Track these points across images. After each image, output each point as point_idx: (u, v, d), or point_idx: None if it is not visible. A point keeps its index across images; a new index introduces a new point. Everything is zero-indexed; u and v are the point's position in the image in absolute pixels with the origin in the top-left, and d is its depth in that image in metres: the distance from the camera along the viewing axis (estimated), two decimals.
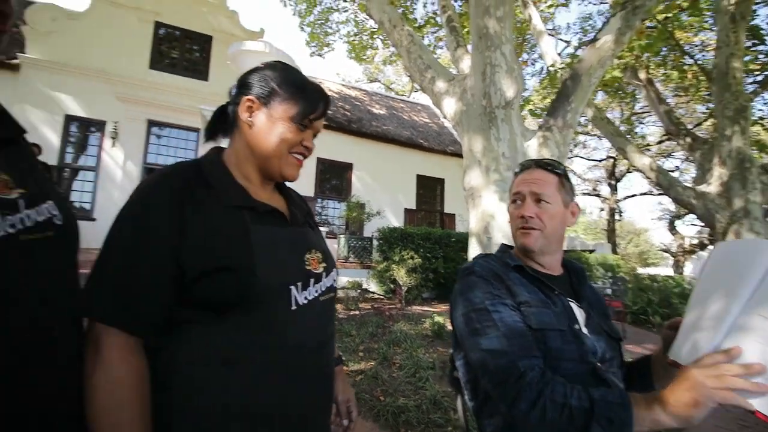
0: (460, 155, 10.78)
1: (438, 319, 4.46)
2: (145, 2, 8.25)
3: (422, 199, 10.74)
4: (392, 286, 6.73)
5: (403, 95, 20.21)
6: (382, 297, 6.91)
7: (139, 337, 0.63)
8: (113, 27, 7.93)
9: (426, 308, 6.06)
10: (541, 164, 0.99)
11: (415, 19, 8.02)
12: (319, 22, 9.06)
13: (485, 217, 3.37)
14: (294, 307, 0.70)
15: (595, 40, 3.68)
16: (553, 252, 0.97)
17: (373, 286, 7.24)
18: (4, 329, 0.51)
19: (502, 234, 3.26)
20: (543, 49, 6.70)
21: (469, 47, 4.03)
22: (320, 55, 9.73)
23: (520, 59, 9.23)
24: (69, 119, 7.46)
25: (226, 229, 0.69)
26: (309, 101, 0.77)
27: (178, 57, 8.67)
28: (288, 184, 0.88)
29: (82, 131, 7.67)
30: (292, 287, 0.71)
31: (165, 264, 0.64)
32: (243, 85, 0.79)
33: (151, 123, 8.16)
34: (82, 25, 7.73)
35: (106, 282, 0.63)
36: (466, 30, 6.78)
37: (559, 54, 8.45)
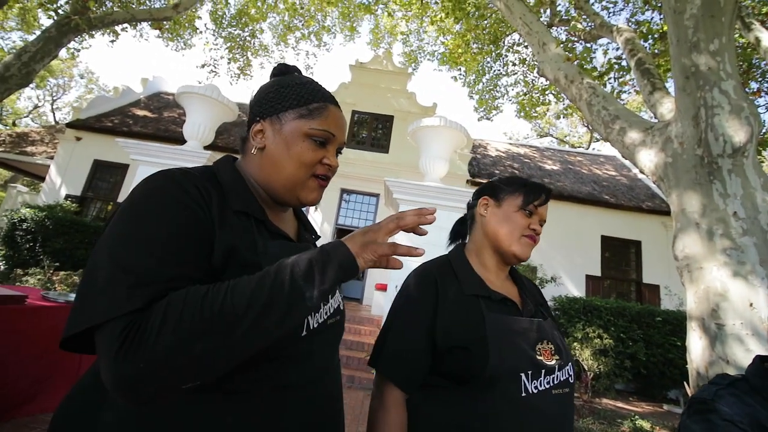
0: (661, 212, 8.85)
1: (642, 423, 3.48)
2: (347, 97, 10.35)
3: (609, 264, 9.06)
4: (574, 369, 5.69)
5: (579, 147, 18.51)
6: None
7: (407, 393, 0.81)
8: None
9: (621, 405, 4.84)
10: None
11: (595, 68, 7.44)
12: (487, 88, 9.42)
13: (711, 296, 2.55)
14: (524, 394, 0.74)
15: None
16: None
17: None
18: (322, 378, 0.68)
19: (741, 322, 2.39)
20: None
21: (671, 88, 3.42)
22: (488, 119, 9.97)
23: (746, 89, 7.24)
24: None
25: (465, 314, 0.82)
26: (530, 192, 0.91)
27: (366, 135, 10.34)
28: None
29: None
30: (522, 374, 0.75)
31: (426, 338, 0.81)
32: (478, 191, 1.00)
33: (343, 191, 9.76)
34: None
35: (388, 346, 0.84)
36: (662, 69, 5.86)
37: None
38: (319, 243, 0.78)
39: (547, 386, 0.76)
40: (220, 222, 0.60)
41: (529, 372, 0.75)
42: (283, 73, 0.78)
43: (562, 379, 0.79)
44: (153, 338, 0.46)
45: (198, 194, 0.59)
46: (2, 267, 6.73)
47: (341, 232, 9.86)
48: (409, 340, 0.82)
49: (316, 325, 0.67)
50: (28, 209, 6.97)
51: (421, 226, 0.61)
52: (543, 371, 0.77)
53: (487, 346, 0.76)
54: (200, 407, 0.55)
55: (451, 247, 1.03)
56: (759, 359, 0.71)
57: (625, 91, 8.66)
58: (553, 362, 0.79)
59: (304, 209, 8.37)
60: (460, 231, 1.04)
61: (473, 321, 0.80)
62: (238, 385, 0.57)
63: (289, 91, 0.71)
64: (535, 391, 0.75)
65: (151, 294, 0.50)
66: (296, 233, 0.81)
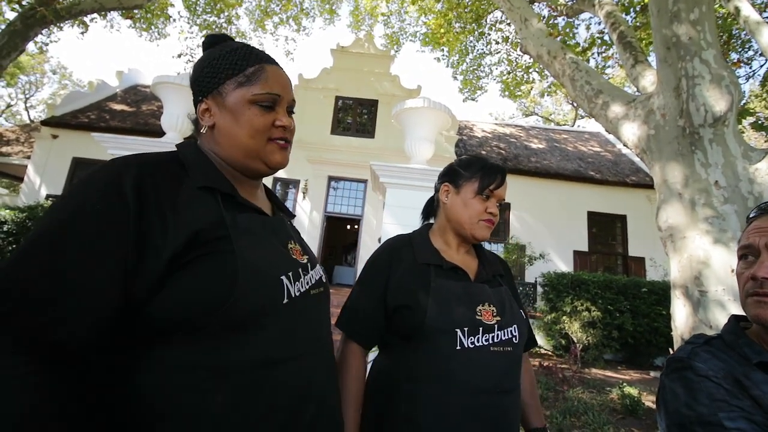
0: (645, 186, 8.99)
1: (630, 390, 3.59)
2: (329, 82, 10.16)
3: (596, 239, 9.24)
4: (563, 341, 5.84)
5: (565, 125, 18.60)
6: (550, 353, 6.06)
7: (364, 347, 0.93)
8: (307, 105, 9.97)
9: (610, 373, 4.99)
10: None
11: (578, 43, 7.40)
12: (471, 68, 9.33)
13: (694, 264, 2.61)
14: (459, 348, 0.84)
15: None
16: None
17: (538, 339, 6.44)
18: (314, 351, 0.68)
19: (723, 288, 2.45)
20: (763, 44, 5.18)
21: (653, 61, 3.42)
22: (473, 99, 9.91)
23: (727, 60, 7.28)
24: (276, 180, 9.56)
25: (414, 279, 0.92)
26: (486, 177, 0.97)
27: (351, 121, 10.21)
28: None
29: (284, 189, 9.69)
30: (458, 330, 0.84)
31: (378, 299, 0.93)
32: (441, 176, 1.07)
33: (331, 178, 9.68)
34: None
35: (348, 308, 0.97)
36: (644, 42, 5.86)
37: None
38: (296, 223, 0.75)
39: (486, 343, 0.85)
40: (173, 207, 0.57)
41: (466, 329, 0.85)
42: (214, 43, 0.74)
43: (503, 338, 0.87)
44: None
45: (139, 184, 0.56)
46: None
47: (330, 219, 9.82)
48: (363, 301, 0.95)
49: (297, 294, 0.65)
50: (7, 211, 6.77)
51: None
52: (481, 329, 0.86)
53: (427, 305, 0.86)
54: (187, 387, 0.53)
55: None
56: (734, 318, 0.72)
57: (609, 66, 8.66)
58: (493, 322, 0.88)
59: (291, 202, 8.21)
60: (430, 211, 1.12)
61: (419, 284, 0.90)
62: (223, 361, 0.55)
63: (222, 62, 0.69)
64: (472, 346, 0.84)
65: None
66: (270, 211, 0.79)
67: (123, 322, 0.53)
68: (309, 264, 0.72)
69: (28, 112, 22.55)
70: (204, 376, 0.54)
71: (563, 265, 8.58)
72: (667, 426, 0.64)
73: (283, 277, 0.62)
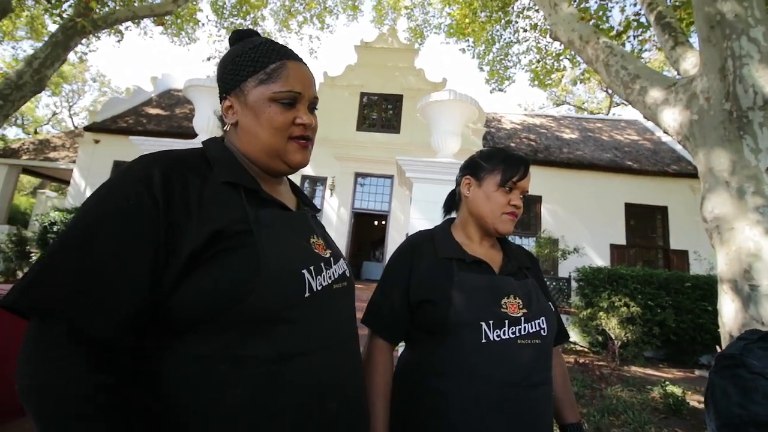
0: (688, 175, 8.50)
1: (673, 389, 3.43)
2: (354, 79, 10.20)
3: (634, 232, 8.82)
4: (600, 338, 5.63)
5: (599, 113, 17.84)
6: (586, 350, 5.87)
7: (390, 342, 0.93)
8: (332, 102, 10.06)
9: (651, 371, 4.78)
10: None
11: (611, 27, 7.04)
12: (498, 58, 9.09)
13: (743, 257, 2.44)
14: (484, 341, 0.83)
15: None
16: None
17: (573, 336, 6.25)
18: (337, 345, 0.67)
19: None
20: None
21: (694, 42, 3.21)
22: (501, 90, 9.66)
23: None
24: (304, 178, 9.72)
25: (436, 273, 0.92)
26: (508, 169, 0.94)
27: (377, 117, 10.21)
28: None
29: (311, 186, 9.85)
30: (483, 323, 0.83)
31: (401, 294, 0.93)
32: (462, 169, 1.05)
33: (358, 174, 9.74)
34: None
35: (373, 304, 0.97)
36: (685, 22, 5.52)
37: None
38: (324, 220, 0.74)
39: (512, 336, 0.83)
40: (198, 203, 0.58)
41: (491, 321, 0.83)
42: (240, 39, 0.74)
43: (531, 330, 0.85)
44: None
45: (167, 181, 0.57)
46: None
47: (358, 215, 9.88)
48: (387, 297, 0.94)
49: (319, 288, 0.64)
50: (56, 212, 7.25)
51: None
52: (506, 322, 0.84)
53: (450, 299, 0.86)
54: (202, 385, 0.54)
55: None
56: None
57: (645, 50, 8.20)
58: (519, 314, 0.86)
59: (319, 199, 8.28)
60: (452, 205, 1.10)
61: (442, 279, 0.90)
62: (240, 357, 0.55)
63: (244, 59, 0.69)
64: (497, 339, 0.82)
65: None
66: (295, 206, 0.79)
67: (145, 319, 0.54)
68: (332, 258, 0.71)
69: (72, 119, 24.02)
70: (220, 372, 0.54)
71: (599, 259, 8.26)
72: (717, 427, 0.61)
73: (304, 271, 0.62)
